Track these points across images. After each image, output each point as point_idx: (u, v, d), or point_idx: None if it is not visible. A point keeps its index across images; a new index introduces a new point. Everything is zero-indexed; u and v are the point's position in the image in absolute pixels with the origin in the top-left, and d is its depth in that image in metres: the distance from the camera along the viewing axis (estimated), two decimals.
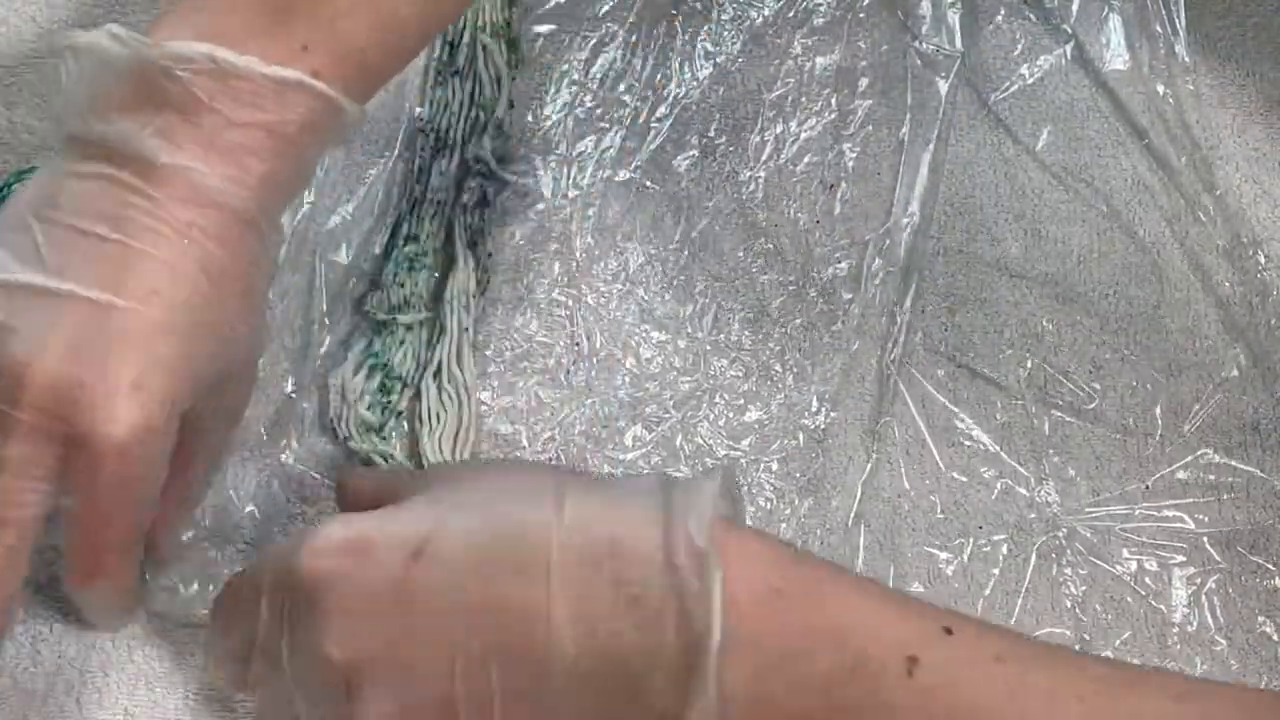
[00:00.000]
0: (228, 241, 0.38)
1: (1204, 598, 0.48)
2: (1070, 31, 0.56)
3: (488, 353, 0.49)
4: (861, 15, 0.56)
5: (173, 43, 0.37)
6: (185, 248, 0.38)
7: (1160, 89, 0.56)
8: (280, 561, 0.36)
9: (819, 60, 0.55)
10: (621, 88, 0.55)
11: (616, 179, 0.53)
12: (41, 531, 0.37)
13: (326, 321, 0.49)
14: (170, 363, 0.37)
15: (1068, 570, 0.48)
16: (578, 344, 0.50)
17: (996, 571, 0.48)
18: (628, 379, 0.49)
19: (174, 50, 0.37)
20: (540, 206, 0.52)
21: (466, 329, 0.49)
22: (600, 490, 0.36)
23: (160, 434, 0.38)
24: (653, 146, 0.53)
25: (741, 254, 0.51)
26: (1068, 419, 0.50)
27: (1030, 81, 0.56)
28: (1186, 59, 0.56)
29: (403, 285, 0.49)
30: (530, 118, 0.54)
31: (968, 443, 0.49)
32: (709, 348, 0.50)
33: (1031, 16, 0.57)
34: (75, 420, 0.36)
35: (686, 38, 0.55)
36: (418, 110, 0.53)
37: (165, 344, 0.37)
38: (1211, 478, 0.49)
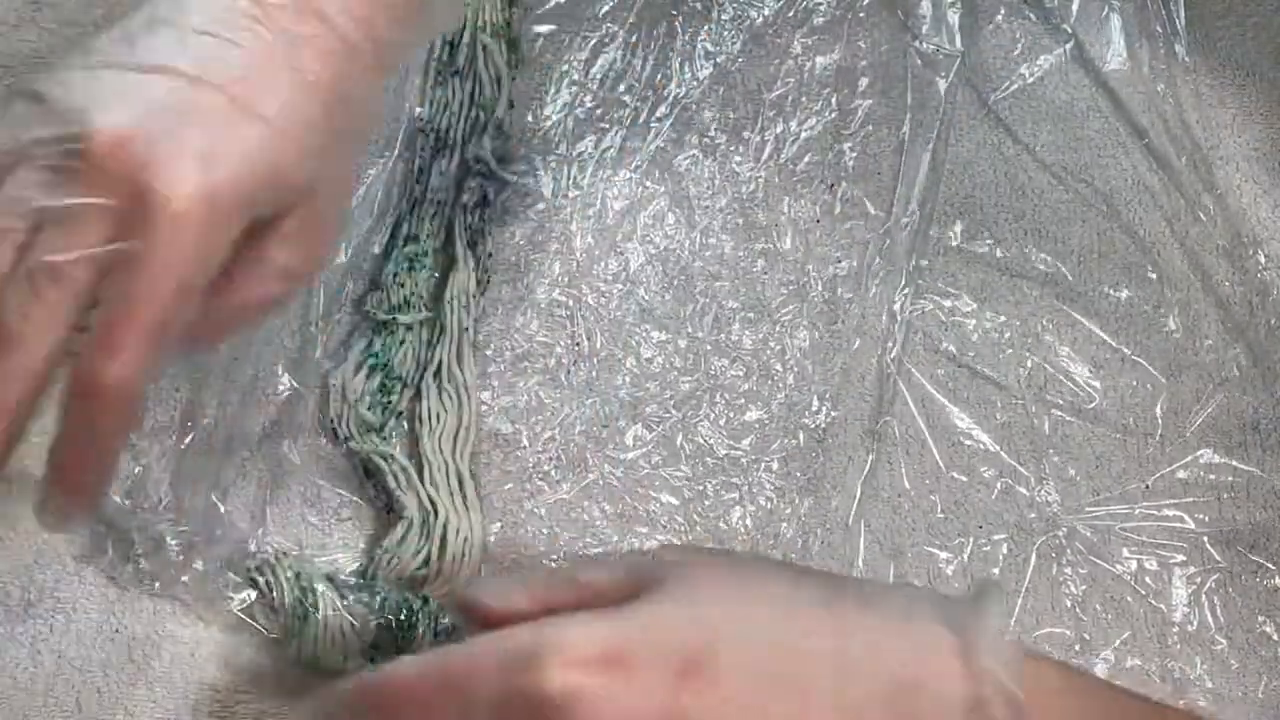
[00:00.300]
0: (329, 60, 0.38)
1: (1204, 597, 0.48)
2: (1070, 31, 0.56)
3: (488, 353, 0.49)
4: (861, 15, 0.56)
5: None
6: (284, 53, 0.37)
7: (1160, 89, 0.56)
8: (513, 670, 0.31)
9: (819, 60, 0.55)
10: (621, 88, 0.54)
11: (616, 179, 0.53)
12: (88, 294, 0.35)
13: (322, 323, 0.49)
14: (245, 146, 0.36)
15: (1068, 570, 0.48)
16: (578, 344, 0.50)
17: (996, 571, 0.48)
18: (628, 379, 0.49)
19: None
20: (540, 206, 0.52)
21: (466, 329, 0.49)
22: (875, 608, 0.33)
23: (221, 214, 0.36)
24: (653, 146, 0.53)
25: (741, 254, 0.51)
26: (1068, 418, 0.50)
27: (1030, 81, 0.56)
28: (1186, 59, 0.56)
29: (403, 285, 0.49)
30: (530, 118, 0.54)
31: (968, 442, 0.49)
32: (709, 347, 0.50)
33: (1031, 16, 0.57)
34: (138, 175, 0.35)
35: (686, 38, 0.55)
36: (418, 110, 0.53)
37: (245, 126, 0.36)
38: (1212, 477, 0.49)
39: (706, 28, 0.55)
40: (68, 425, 0.36)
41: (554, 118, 0.54)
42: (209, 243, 0.36)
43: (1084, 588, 0.48)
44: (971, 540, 0.48)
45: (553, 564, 0.45)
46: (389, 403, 0.48)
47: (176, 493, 0.45)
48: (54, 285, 0.35)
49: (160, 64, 0.36)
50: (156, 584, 0.44)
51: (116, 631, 0.43)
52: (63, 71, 0.37)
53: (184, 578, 0.44)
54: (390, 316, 0.49)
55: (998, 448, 0.49)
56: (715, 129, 0.53)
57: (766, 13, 0.55)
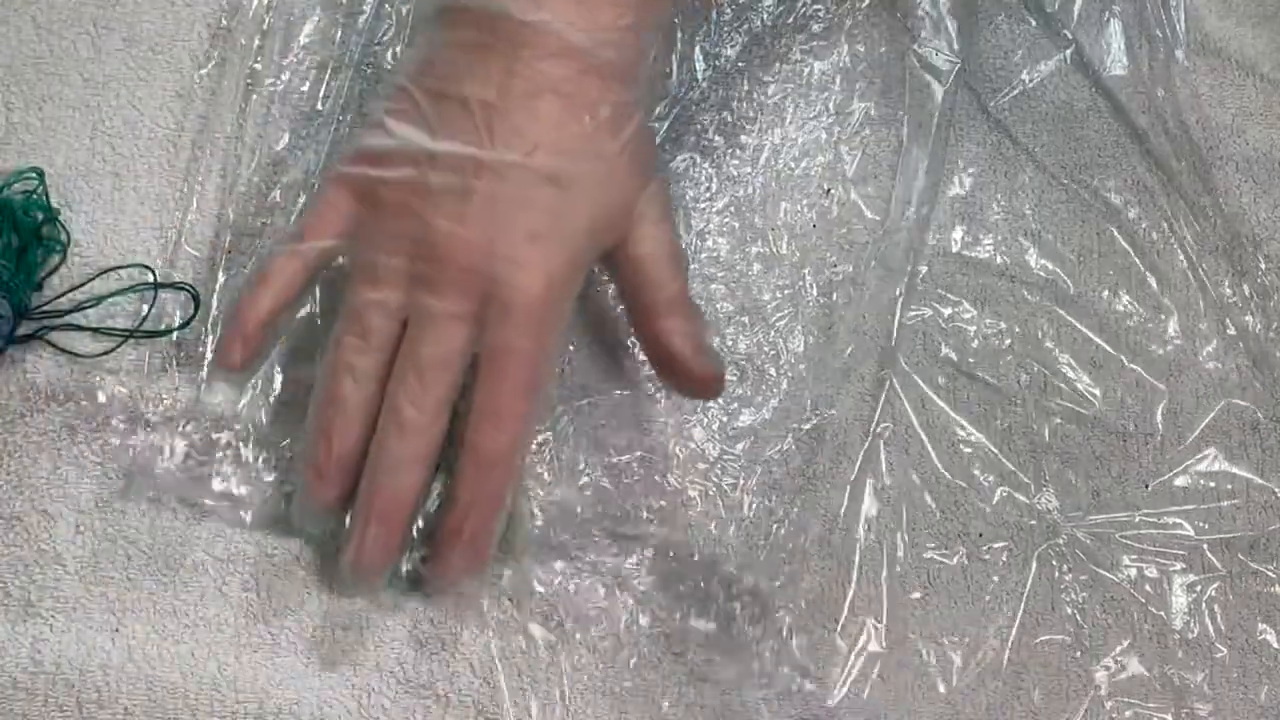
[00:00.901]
0: (597, 91, 0.41)
1: (1204, 604, 0.48)
2: (1070, 36, 0.56)
3: None
4: (860, 18, 0.55)
5: None
6: (559, 100, 0.41)
7: (1160, 92, 0.55)
8: None
9: (817, 64, 0.55)
10: None
11: None
12: (462, 379, 0.41)
13: (320, 321, 0.49)
14: (566, 212, 0.41)
15: (1068, 576, 0.48)
16: (573, 345, 0.49)
17: (996, 578, 0.48)
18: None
19: None
20: None
21: None
22: None
23: (566, 284, 0.41)
24: None
25: (739, 256, 0.51)
26: (1067, 423, 0.50)
27: (1030, 86, 0.55)
28: (1186, 62, 0.56)
29: None
30: None
31: (967, 448, 0.49)
32: None
33: (1032, 20, 0.56)
34: (487, 275, 0.40)
35: (685, 39, 0.55)
36: None
37: (553, 194, 0.41)
38: (1212, 483, 0.49)
39: (705, 29, 0.55)
40: (461, 492, 0.41)
41: None
42: (561, 313, 0.42)
43: (1084, 594, 0.47)
44: (971, 546, 0.48)
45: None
46: None
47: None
48: (440, 376, 0.40)
49: (465, 153, 0.40)
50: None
51: (116, 631, 0.43)
52: (384, 166, 0.41)
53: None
54: None
55: (997, 453, 0.49)
56: (713, 131, 0.53)
57: (765, 16, 0.55)
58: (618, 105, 0.42)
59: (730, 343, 0.50)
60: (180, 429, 0.45)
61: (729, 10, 0.55)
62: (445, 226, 0.40)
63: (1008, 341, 0.51)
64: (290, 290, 0.43)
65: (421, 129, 0.41)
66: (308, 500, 0.43)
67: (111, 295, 0.47)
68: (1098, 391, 0.50)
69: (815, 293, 0.51)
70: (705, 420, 0.49)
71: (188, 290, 0.47)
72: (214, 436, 0.45)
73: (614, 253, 0.43)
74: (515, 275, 0.40)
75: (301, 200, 0.49)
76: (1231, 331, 0.52)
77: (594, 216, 0.42)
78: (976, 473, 0.49)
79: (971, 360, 0.51)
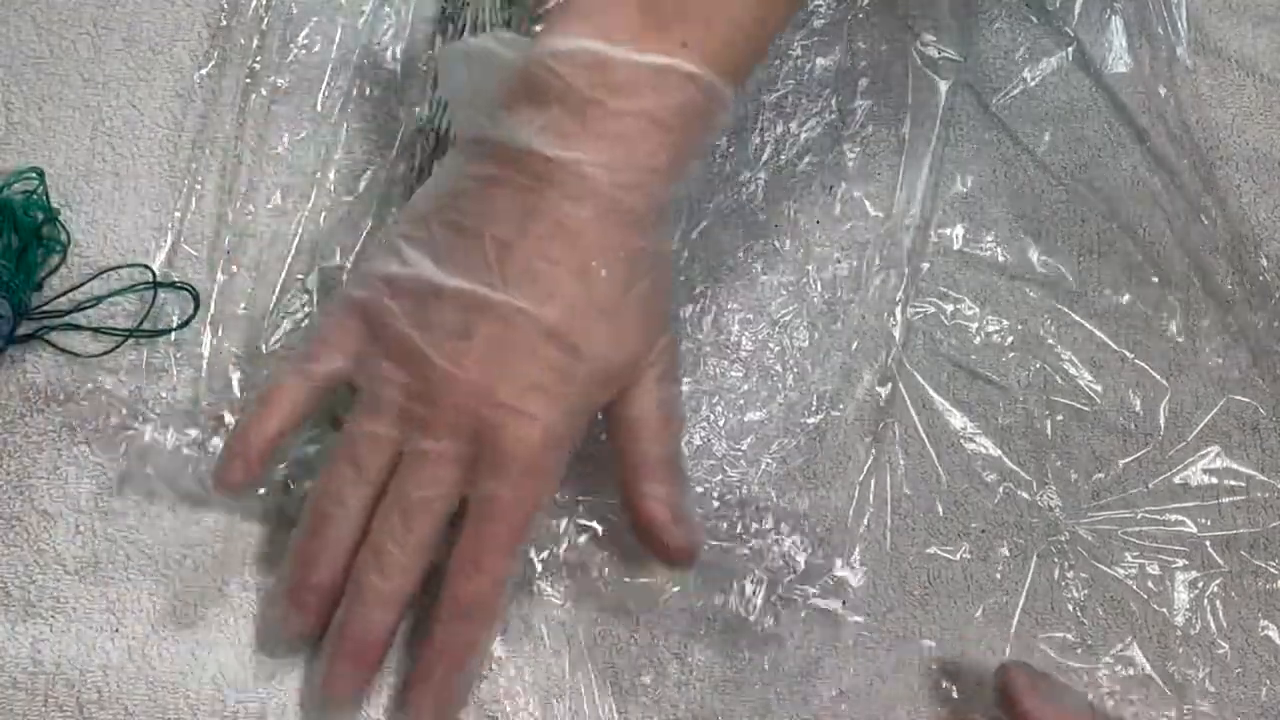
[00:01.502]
0: (618, 238, 0.40)
1: (1206, 601, 0.48)
2: (1072, 34, 0.56)
3: None
4: (861, 16, 0.56)
5: (553, 40, 0.40)
6: (576, 246, 0.40)
7: (1161, 90, 0.55)
8: None
9: (819, 61, 0.55)
10: None
11: None
12: (447, 523, 0.40)
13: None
14: (564, 364, 0.40)
15: (1069, 574, 0.48)
16: None
17: (998, 575, 0.48)
18: None
19: (554, 47, 0.40)
20: None
21: None
22: None
23: (564, 441, 0.40)
24: None
25: (741, 254, 0.51)
26: (1069, 421, 0.50)
27: (1032, 84, 0.55)
28: (1188, 61, 0.56)
29: None
30: None
31: (969, 445, 0.49)
32: (709, 348, 0.50)
33: (1033, 19, 0.57)
34: (487, 421, 0.39)
35: None
36: (417, 110, 0.53)
37: (559, 348, 0.40)
38: (1213, 480, 0.49)
39: None
40: (436, 636, 0.40)
41: None
42: (555, 467, 0.41)
43: (1085, 591, 0.47)
44: (972, 543, 0.48)
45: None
46: None
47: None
48: (424, 518, 0.40)
49: (474, 291, 0.40)
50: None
51: (116, 631, 0.43)
52: (390, 298, 0.41)
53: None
54: None
55: (999, 451, 0.49)
56: None
57: None
58: (637, 253, 0.41)
59: (735, 340, 0.50)
60: (178, 424, 0.45)
61: None
62: (444, 366, 0.39)
63: (1010, 339, 0.51)
64: (296, 414, 0.42)
65: (433, 260, 0.40)
66: (282, 626, 0.42)
67: (111, 295, 0.47)
68: (1099, 389, 0.51)
69: (819, 289, 0.51)
70: (711, 418, 0.49)
71: (188, 290, 0.47)
72: (211, 431, 0.45)
73: (610, 407, 0.42)
74: (512, 424, 0.39)
75: (305, 205, 0.49)
76: (1233, 329, 0.52)
77: (598, 375, 0.41)
78: (978, 470, 0.49)
79: (973, 357, 0.51)
